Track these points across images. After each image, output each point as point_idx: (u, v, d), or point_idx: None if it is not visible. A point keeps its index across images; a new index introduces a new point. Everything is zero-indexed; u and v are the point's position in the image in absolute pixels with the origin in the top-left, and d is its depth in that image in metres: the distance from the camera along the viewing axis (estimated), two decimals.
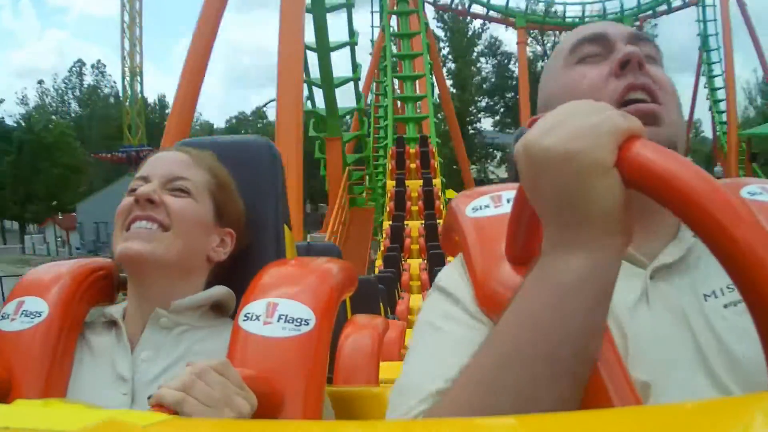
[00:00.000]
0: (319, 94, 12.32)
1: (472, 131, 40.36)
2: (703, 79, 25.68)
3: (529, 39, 33.20)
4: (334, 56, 11.55)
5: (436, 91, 22.47)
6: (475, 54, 42.23)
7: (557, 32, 30.13)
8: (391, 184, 14.41)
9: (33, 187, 24.62)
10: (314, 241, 2.81)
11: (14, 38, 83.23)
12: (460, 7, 27.08)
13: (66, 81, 44.18)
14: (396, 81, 19.33)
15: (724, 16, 21.71)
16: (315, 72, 11.54)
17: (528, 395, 0.49)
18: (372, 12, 23.82)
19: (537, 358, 0.50)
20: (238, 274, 1.05)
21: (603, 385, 0.54)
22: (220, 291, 1.02)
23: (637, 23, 24.45)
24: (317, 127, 13.28)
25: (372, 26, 23.76)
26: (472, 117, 41.25)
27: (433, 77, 20.18)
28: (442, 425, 0.44)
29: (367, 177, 16.84)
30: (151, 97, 44.88)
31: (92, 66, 44.76)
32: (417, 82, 19.03)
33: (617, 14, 24.29)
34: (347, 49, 12.52)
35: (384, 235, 12.42)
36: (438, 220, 11.78)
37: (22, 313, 0.93)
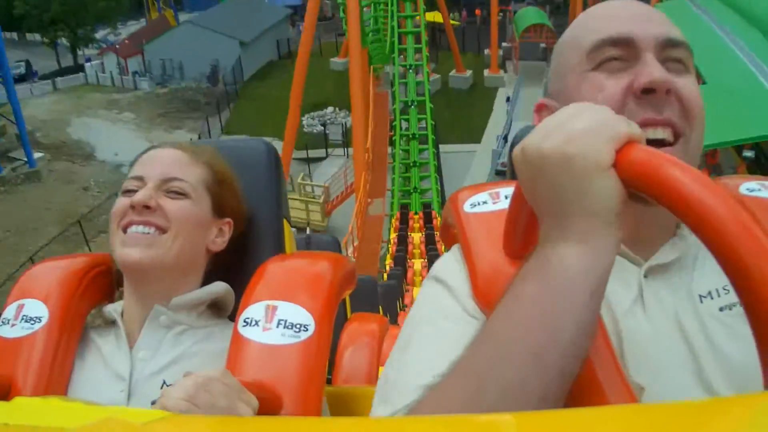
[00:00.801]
0: None
1: None
2: None
3: None
4: None
5: None
6: None
7: None
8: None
9: (83, 18, 28.64)
10: None
11: None
12: None
13: None
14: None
15: None
16: None
17: (516, 391, 0.49)
18: None
19: (526, 354, 0.50)
20: (237, 269, 1.06)
21: (599, 383, 0.54)
22: (219, 288, 1.02)
23: None
24: None
25: None
26: None
27: None
28: (438, 422, 0.44)
29: None
30: None
31: None
32: None
33: None
34: None
35: (392, 242, 13.70)
36: (435, 232, 12.58)
37: (22, 318, 0.93)
